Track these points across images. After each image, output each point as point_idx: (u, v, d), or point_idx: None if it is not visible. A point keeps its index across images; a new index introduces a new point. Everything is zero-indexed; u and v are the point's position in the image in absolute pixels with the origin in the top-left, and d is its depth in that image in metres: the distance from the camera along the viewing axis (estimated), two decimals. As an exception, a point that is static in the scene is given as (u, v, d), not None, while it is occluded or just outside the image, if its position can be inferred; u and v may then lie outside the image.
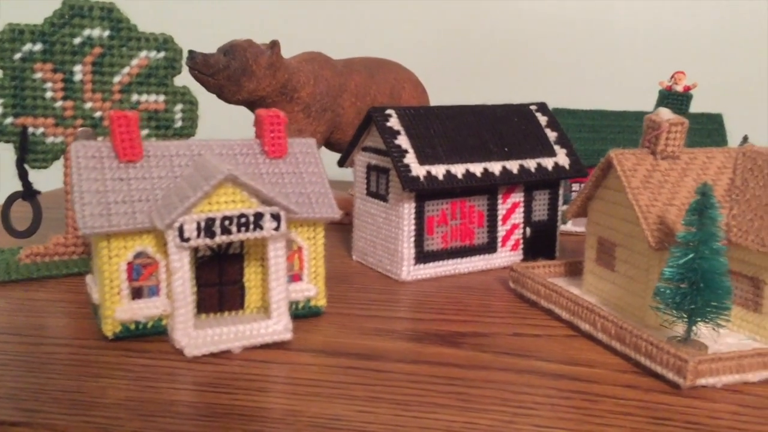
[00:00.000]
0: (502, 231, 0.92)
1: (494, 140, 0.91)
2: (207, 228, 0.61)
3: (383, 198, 0.88)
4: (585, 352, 0.66)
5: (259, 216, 0.63)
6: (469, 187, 0.88)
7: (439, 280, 0.87)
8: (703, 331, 0.64)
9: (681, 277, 0.61)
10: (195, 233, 0.61)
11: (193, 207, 0.61)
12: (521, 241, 0.94)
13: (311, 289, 0.72)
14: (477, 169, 0.87)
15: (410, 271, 0.86)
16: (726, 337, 0.68)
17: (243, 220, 0.63)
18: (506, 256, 0.93)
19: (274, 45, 1.08)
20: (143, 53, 0.86)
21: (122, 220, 0.64)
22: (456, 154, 0.87)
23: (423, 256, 0.87)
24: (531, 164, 0.91)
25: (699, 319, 0.62)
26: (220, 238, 0.62)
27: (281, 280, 0.66)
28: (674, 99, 1.21)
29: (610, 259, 0.75)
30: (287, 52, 1.13)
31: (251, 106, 1.12)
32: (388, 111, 0.87)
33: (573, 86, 1.57)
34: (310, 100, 1.12)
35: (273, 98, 1.10)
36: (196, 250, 0.67)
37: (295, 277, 0.72)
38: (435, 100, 1.25)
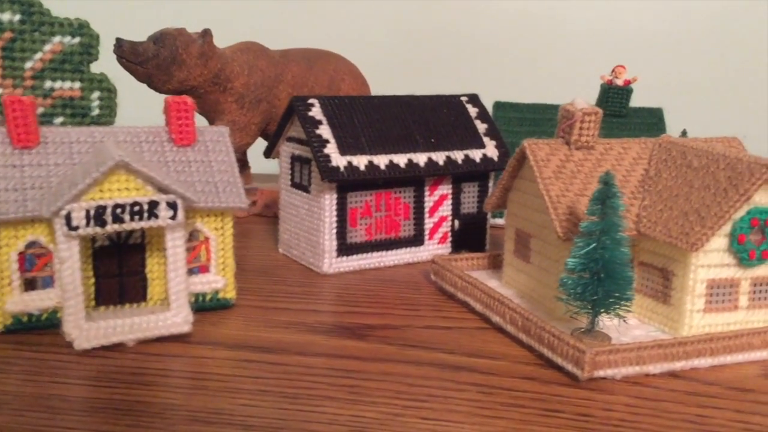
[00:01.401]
0: (429, 223, 0.91)
1: (421, 131, 0.89)
2: (97, 216, 0.59)
3: (306, 189, 0.86)
4: (492, 345, 0.65)
5: (153, 204, 0.61)
6: (394, 179, 0.86)
7: (362, 272, 0.86)
8: (614, 322, 0.63)
9: (583, 267, 0.60)
10: (84, 222, 0.59)
11: (82, 194, 0.59)
12: (450, 233, 0.93)
13: (219, 281, 0.70)
14: (401, 160, 0.86)
15: (332, 263, 0.85)
16: (635, 329, 0.67)
17: (137, 208, 0.60)
18: (434, 249, 0.91)
19: (206, 34, 1.05)
20: (57, 39, 0.83)
21: (11, 207, 0.61)
22: (380, 144, 0.86)
23: (346, 248, 0.85)
24: (458, 156, 0.90)
25: (602, 309, 0.61)
26: (112, 227, 0.60)
27: (180, 271, 0.64)
28: (615, 93, 1.21)
29: (526, 251, 0.74)
30: (227, 42, 1.11)
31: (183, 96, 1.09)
32: (311, 100, 0.86)
33: (522, 80, 1.56)
34: (244, 91, 1.10)
35: (205, 88, 1.07)
36: (93, 239, 0.64)
37: (202, 269, 0.70)
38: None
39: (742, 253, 0.64)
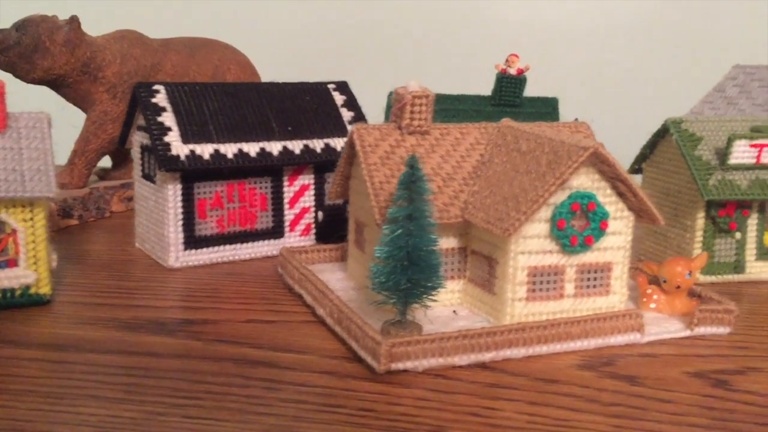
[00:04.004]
0: (290, 215, 0.88)
1: (279, 119, 0.86)
2: None
3: (153, 180, 0.82)
4: (310, 339, 0.62)
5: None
6: (247, 168, 0.83)
7: (214, 266, 0.82)
8: (425, 313, 0.60)
9: (388, 254, 0.57)
10: None
11: None
12: (313, 225, 0.89)
13: (30, 276, 0.66)
14: (253, 148, 0.82)
15: (179, 257, 0.81)
16: (463, 319, 0.65)
17: None
18: (296, 240, 0.88)
19: (73, 20, 1.01)
20: None
21: None
22: (230, 132, 0.82)
23: (194, 241, 0.82)
24: (317, 144, 0.87)
25: (411, 299, 0.58)
26: None
27: (-31, 265, 0.60)
28: (508, 82, 1.19)
29: (362, 240, 0.71)
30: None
31: (52, 85, 1.05)
32: (156, 87, 0.82)
33: (446, 73, 1.54)
34: (116, 80, 1.05)
35: (74, 77, 1.03)
36: None
37: (10, 263, 0.66)
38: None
39: (564, 239, 0.61)
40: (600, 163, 0.61)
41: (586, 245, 0.62)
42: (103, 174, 1.17)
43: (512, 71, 1.18)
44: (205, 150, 0.79)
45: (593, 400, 0.52)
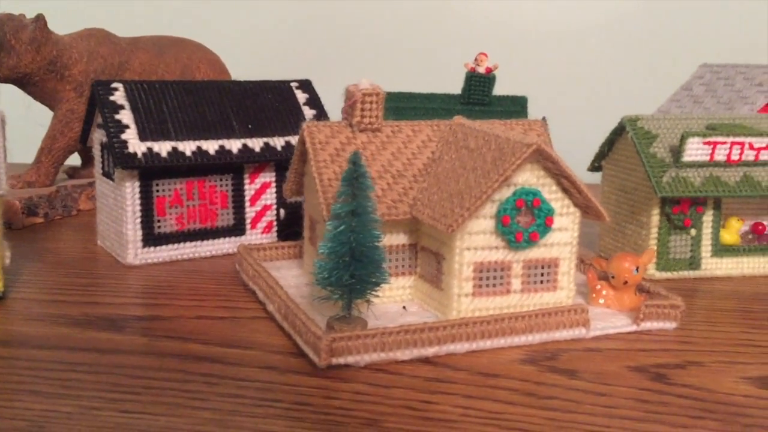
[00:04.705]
0: (251, 212, 0.88)
1: (239, 117, 0.86)
2: None
3: (111, 177, 0.83)
4: (258, 335, 0.62)
5: None
6: (208, 166, 0.83)
7: (174, 264, 0.83)
8: (369, 309, 0.61)
9: (331, 250, 0.57)
10: None
11: None
12: (275, 222, 0.90)
13: (-20, 273, 0.67)
14: (212, 146, 0.83)
15: (138, 254, 0.81)
16: (410, 315, 0.65)
17: None
18: (258, 238, 0.89)
19: (39, 19, 1.01)
20: None
21: None
22: (189, 130, 0.82)
23: (153, 238, 0.82)
24: (278, 142, 0.87)
25: (355, 294, 0.59)
26: None
27: None
28: (477, 80, 1.19)
29: (315, 237, 0.72)
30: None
31: (19, 83, 1.05)
32: (115, 84, 0.82)
33: (413, 72, 1.54)
34: (83, 78, 1.06)
35: (41, 75, 1.03)
36: None
37: (-40, 260, 0.66)
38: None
39: (509, 235, 0.62)
40: (544, 159, 0.61)
41: (531, 241, 0.63)
42: (72, 172, 1.17)
43: (481, 70, 1.19)
44: (162, 147, 0.80)
45: (530, 394, 0.52)
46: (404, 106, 1.20)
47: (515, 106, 1.24)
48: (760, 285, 0.80)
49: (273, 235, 0.90)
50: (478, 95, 1.18)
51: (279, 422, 0.47)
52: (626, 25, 1.54)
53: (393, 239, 0.67)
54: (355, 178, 0.57)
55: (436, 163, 0.68)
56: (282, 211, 0.90)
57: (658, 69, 1.46)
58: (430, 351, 0.58)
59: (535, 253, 0.64)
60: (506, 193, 0.61)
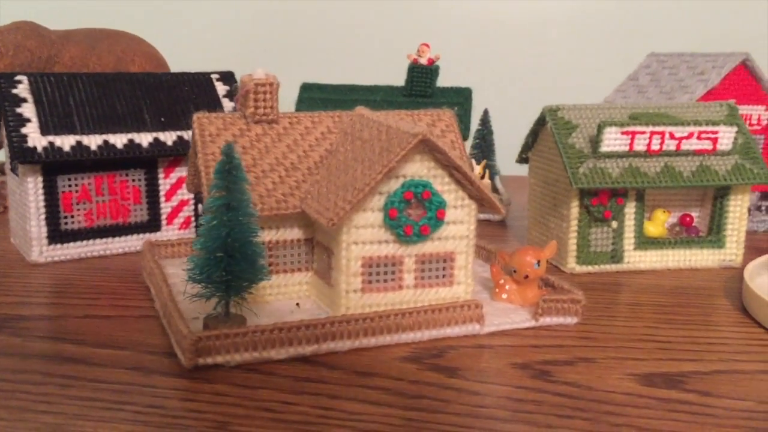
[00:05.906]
0: (167, 207, 0.86)
1: (152, 110, 0.84)
2: None
3: (16, 172, 0.80)
4: (138, 334, 0.60)
5: None
6: (118, 160, 0.81)
7: (82, 261, 0.80)
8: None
9: (204, 245, 0.55)
10: None
11: None
12: (193, 217, 0.88)
13: None
14: (120, 140, 0.80)
15: (43, 251, 0.79)
16: (303, 312, 0.63)
17: None
18: (174, 234, 0.86)
19: (-40, 11, 0.99)
20: None
21: None
22: (96, 124, 0.80)
23: (60, 235, 0.79)
24: (193, 135, 0.85)
25: (231, 292, 0.56)
26: None
27: None
28: (419, 72, 1.17)
29: (212, 233, 0.69)
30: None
31: (-59, 78, 1.03)
32: (19, 77, 0.79)
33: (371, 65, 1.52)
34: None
35: (-36, 69, 1.01)
36: None
37: None
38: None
39: (397, 228, 0.59)
40: (432, 150, 0.59)
41: (422, 235, 0.60)
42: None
43: (423, 61, 1.17)
44: (65, 141, 0.77)
45: (400, 393, 0.50)
46: (346, 98, 1.18)
47: (459, 98, 1.22)
48: (682, 279, 0.78)
49: (191, 230, 0.88)
50: (421, 86, 1.16)
51: (122, 426, 0.45)
52: (579, 14, 1.51)
53: (287, 234, 0.65)
54: (227, 170, 0.55)
55: (332, 155, 0.66)
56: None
57: (612, 59, 1.44)
58: (308, 349, 0.56)
59: (428, 247, 0.61)
60: (394, 185, 0.59)
